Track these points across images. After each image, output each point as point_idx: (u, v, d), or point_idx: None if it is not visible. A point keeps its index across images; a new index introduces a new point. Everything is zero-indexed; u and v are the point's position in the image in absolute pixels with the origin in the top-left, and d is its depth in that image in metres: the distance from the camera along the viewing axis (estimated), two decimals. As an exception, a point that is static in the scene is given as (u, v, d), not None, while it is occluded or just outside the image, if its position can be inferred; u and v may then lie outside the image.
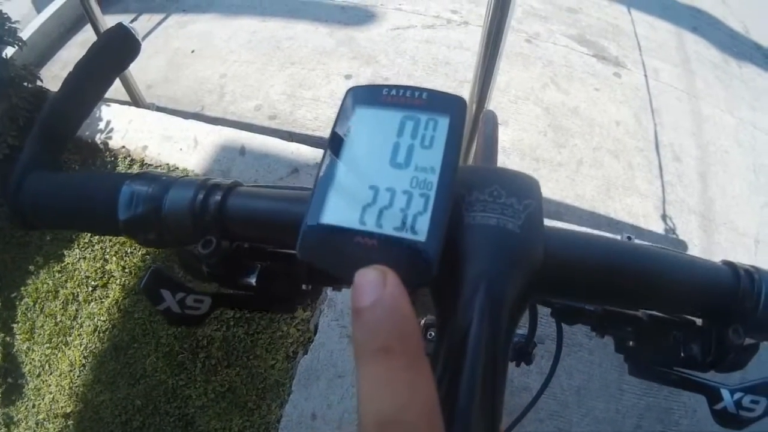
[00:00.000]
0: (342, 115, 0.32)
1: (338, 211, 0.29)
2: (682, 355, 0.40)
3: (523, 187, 0.33)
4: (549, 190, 2.16)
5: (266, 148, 1.98)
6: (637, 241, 0.41)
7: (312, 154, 1.93)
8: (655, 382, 0.42)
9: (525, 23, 2.90)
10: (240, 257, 0.41)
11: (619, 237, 0.42)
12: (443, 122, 0.30)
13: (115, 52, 0.47)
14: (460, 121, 0.30)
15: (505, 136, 2.27)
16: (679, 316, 0.41)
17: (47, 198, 0.41)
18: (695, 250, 2.12)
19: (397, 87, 0.32)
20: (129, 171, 2.09)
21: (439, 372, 0.27)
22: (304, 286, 0.44)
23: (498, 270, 0.30)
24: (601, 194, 2.21)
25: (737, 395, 0.37)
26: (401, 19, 2.80)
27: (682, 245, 2.15)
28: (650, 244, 0.40)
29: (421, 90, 0.32)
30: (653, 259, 0.36)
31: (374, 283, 0.22)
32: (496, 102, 2.39)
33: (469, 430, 0.26)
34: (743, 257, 2.14)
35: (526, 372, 1.67)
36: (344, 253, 0.28)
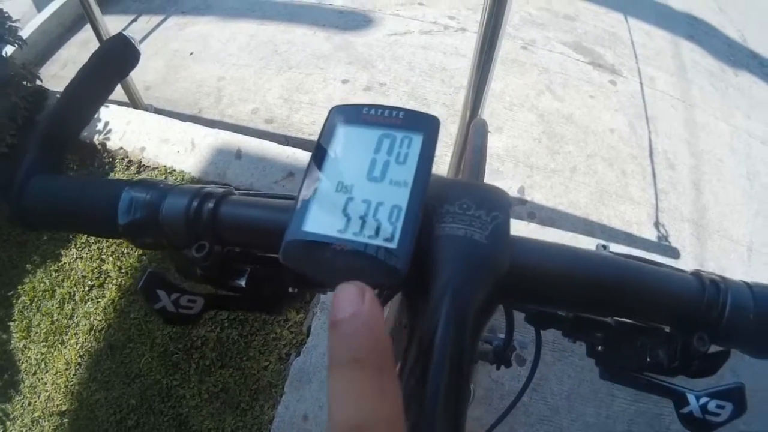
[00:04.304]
0: (326, 131, 0.35)
1: (318, 221, 0.31)
2: (648, 360, 0.42)
3: (491, 200, 0.35)
4: (542, 197, 2.18)
5: (262, 151, 2.00)
6: (612, 249, 0.43)
7: (307, 158, 1.93)
8: (625, 385, 0.44)
9: (522, 30, 2.91)
10: (231, 261, 0.43)
11: (592, 247, 0.44)
12: (417, 140, 0.33)
13: (116, 61, 0.49)
14: (433, 138, 0.33)
15: (499, 143, 2.29)
16: (646, 323, 0.42)
17: (49, 201, 0.44)
18: (687, 258, 2.12)
19: (377, 107, 0.35)
20: (126, 172, 2.11)
21: (407, 374, 0.30)
22: (290, 290, 0.46)
23: (464, 278, 0.32)
24: (594, 201, 2.22)
25: (703, 400, 0.39)
26: (399, 25, 2.82)
27: (675, 253, 2.16)
28: (622, 254, 0.41)
29: (399, 110, 0.34)
30: (619, 270, 0.37)
31: (353, 297, 0.23)
32: (491, 108, 2.41)
33: (434, 429, 0.28)
34: (736, 265, 2.16)
35: (516, 377, 1.69)
36: (323, 259, 0.30)
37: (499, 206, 0.35)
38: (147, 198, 0.41)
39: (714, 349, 0.38)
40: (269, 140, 2.14)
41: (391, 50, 2.66)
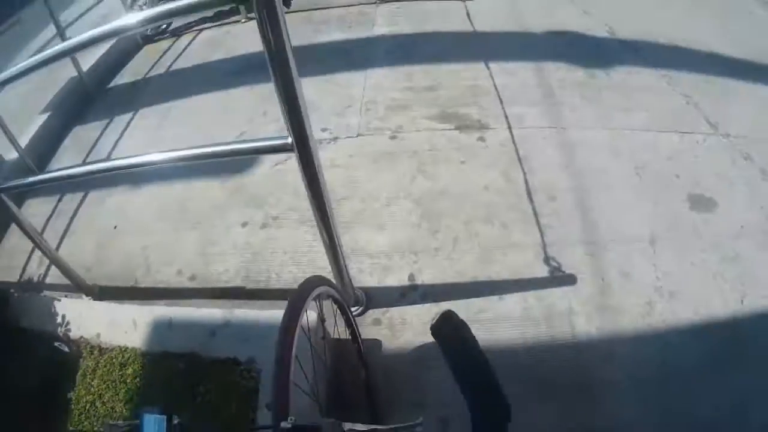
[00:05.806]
0: None
1: None
2: None
3: None
4: (431, 276, 2.36)
5: (186, 317, 2.32)
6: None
7: (222, 315, 2.26)
8: None
9: (387, 120, 3.13)
10: None
11: None
12: None
13: None
14: None
15: (383, 241, 2.53)
16: None
17: None
18: (586, 278, 2.26)
19: None
20: (92, 356, 2.47)
21: None
22: None
23: None
24: (480, 263, 2.38)
25: None
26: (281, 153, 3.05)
27: (572, 279, 2.29)
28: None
29: None
30: None
31: None
32: (370, 210, 2.67)
33: None
34: (640, 262, 2.31)
35: None
36: None
37: None
38: None
39: None
40: (197, 297, 2.48)
41: (277, 180, 2.91)
